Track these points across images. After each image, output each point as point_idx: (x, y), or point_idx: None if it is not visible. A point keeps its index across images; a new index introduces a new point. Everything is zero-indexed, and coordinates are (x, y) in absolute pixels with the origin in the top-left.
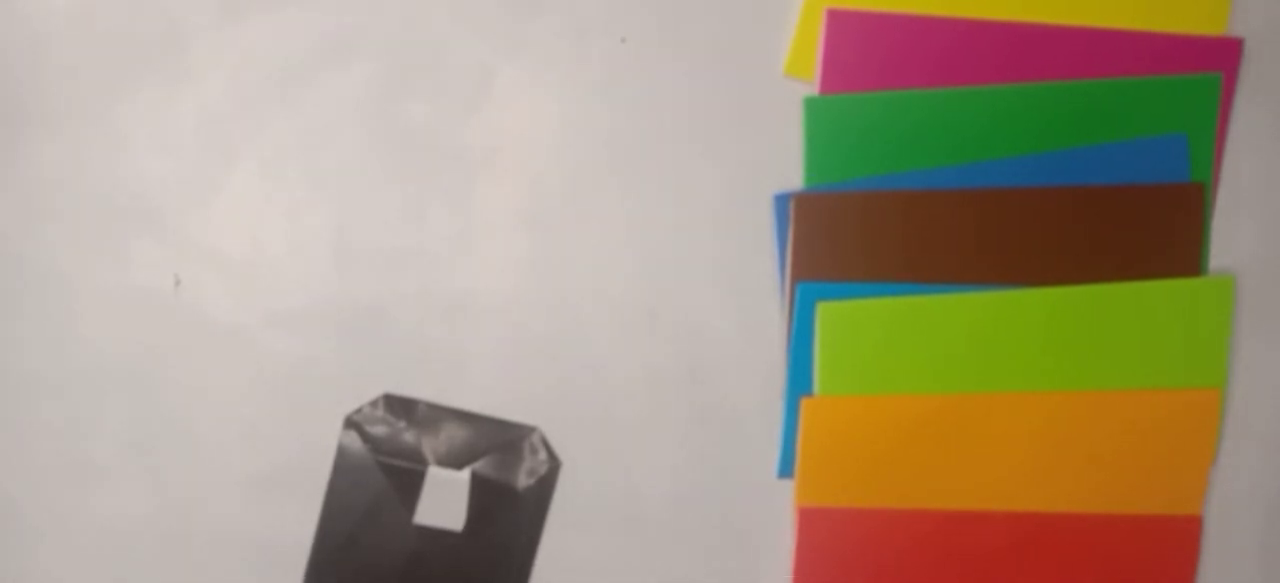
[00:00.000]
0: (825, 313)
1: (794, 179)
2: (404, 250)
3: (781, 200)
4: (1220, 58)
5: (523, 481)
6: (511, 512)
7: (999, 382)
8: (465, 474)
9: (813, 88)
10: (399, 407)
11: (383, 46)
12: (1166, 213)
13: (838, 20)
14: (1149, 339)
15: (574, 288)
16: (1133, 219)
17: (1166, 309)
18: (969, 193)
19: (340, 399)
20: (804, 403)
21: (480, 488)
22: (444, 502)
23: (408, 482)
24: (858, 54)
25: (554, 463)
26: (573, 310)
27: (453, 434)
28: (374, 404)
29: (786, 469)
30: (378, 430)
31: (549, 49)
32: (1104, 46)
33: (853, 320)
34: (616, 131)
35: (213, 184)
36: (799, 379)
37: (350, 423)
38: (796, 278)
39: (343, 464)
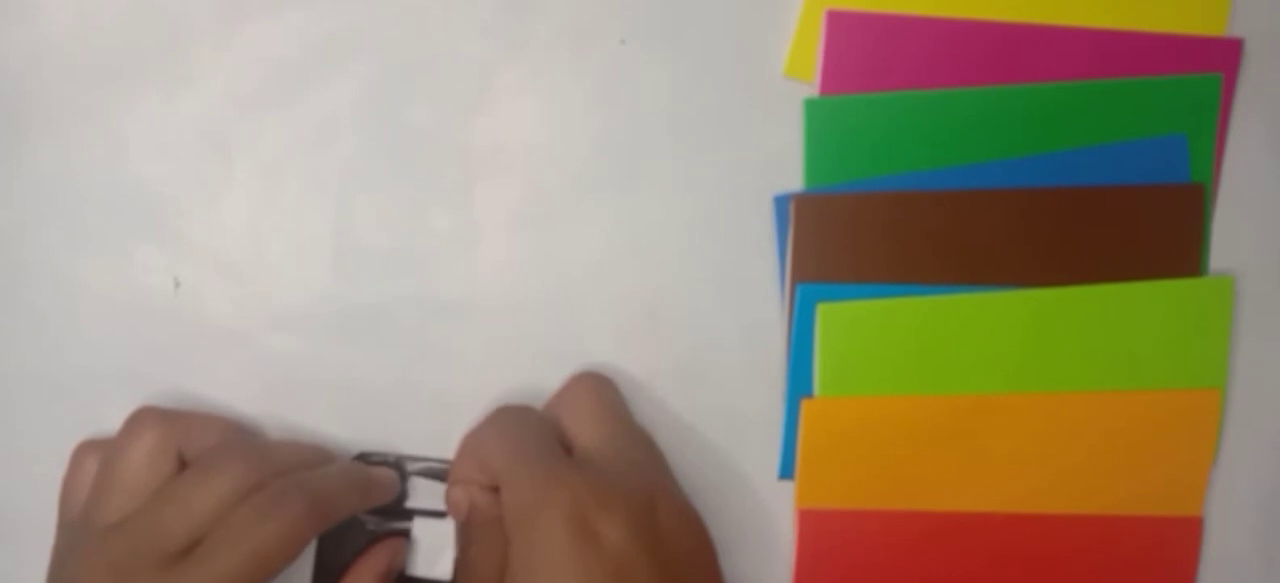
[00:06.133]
0: (825, 314)
1: (794, 180)
2: (404, 252)
3: (782, 201)
4: (1220, 58)
5: None
6: None
7: (1000, 383)
8: (449, 523)
9: (813, 89)
10: (376, 463)
11: (383, 47)
12: (1166, 213)
13: (838, 21)
14: (1149, 339)
15: (574, 289)
16: (1133, 219)
17: (1166, 309)
18: (969, 194)
19: (340, 401)
20: (804, 404)
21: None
22: (431, 551)
23: (393, 537)
24: (858, 55)
25: None
26: (572, 311)
27: (432, 483)
28: None
29: (787, 471)
30: None
31: (549, 50)
32: (1104, 47)
33: (853, 322)
34: (616, 132)
35: (213, 186)
36: (799, 381)
37: None
38: (797, 279)
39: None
